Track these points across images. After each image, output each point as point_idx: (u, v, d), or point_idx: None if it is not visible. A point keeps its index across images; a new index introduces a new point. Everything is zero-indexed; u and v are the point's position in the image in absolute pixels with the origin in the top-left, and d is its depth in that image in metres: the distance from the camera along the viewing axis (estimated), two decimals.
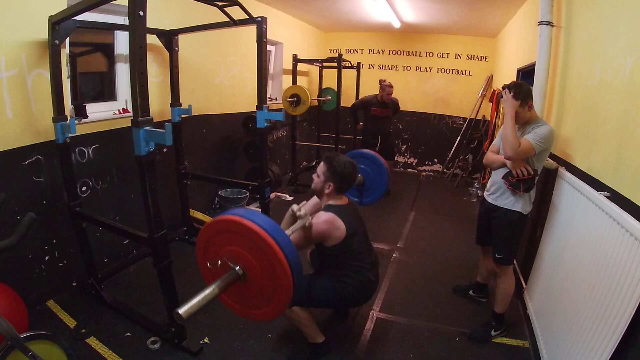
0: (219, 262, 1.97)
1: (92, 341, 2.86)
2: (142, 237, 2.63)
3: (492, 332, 3.14)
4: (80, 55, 3.81)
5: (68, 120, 2.94)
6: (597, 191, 2.35)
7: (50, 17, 2.81)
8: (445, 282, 3.99)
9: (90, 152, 3.54)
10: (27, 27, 2.87)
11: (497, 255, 3.06)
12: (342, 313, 3.32)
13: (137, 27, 2.02)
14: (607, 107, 2.48)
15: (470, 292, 3.73)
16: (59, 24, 2.81)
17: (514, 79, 5.43)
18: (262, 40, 3.39)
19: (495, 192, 3.05)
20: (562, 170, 2.99)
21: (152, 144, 2.20)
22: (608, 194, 2.27)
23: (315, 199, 2.88)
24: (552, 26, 3.49)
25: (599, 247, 2.19)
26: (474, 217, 5.83)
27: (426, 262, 4.48)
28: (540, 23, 3.48)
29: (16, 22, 2.81)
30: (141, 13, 2.00)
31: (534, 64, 3.76)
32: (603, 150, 2.49)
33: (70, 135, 2.99)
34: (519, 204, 2.90)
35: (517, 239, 3.05)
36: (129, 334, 2.98)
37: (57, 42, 2.82)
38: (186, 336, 2.86)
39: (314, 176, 2.70)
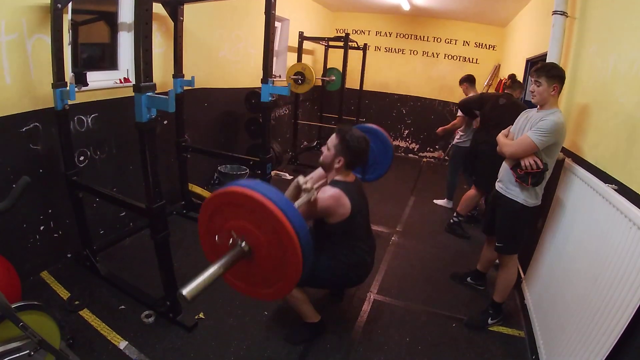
0: (223, 237, 1.88)
1: (86, 313, 2.83)
2: (140, 207, 2.59)
3: (489, 321, 3.13)
4: (82, 23, 3.72)
5: (68, 87, 2.87)
6: (605, 184, 2.31)
7: None
8: (442, 267, 3.98)
9: (89, 121, 3.47)
10: None
11: (497, 244, 3.05)
12: (339, 294, 3.30)
13: None
14: (619, 101, 2.43)
15: (468, 279, 3.71)
16: None
17: (522, 70, 5.37)
18: (270, 11, 3.30)
19: (502, 179, 3.01)
20: (569, 162, 2.95)
21: (154, 110, 2.14)
22: (616, 187, 2.24)
23: (319, 171, 2.80)
24: (566, 16, 3.41)
25: (604, 240, 2.16)
26: (475, 207, 5.86)
27: (425, 247, 4.47)
28: (555, 12, 3.40)
29: None
30: None
31: (544, 55, 3.70)
32: (613, 143, 2.45)
33: (69, 102, 2.93)
34: (522, 195, 2.85)
35: (518, 230, 3.00)
36: (123, 307, 2.95)
37: (59, 6, 2.73)
38: (181, 311, 2.83)
39: (324, 149, 2.59)
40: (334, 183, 2.51)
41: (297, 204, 2.13)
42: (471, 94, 5.32)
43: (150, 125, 2.17)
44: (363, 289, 3.43)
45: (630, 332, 1.80)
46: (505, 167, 2.98)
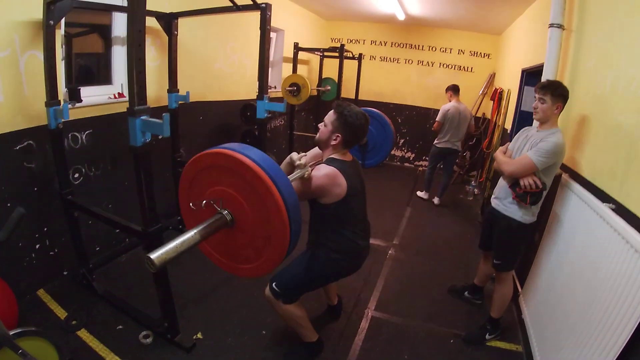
0: (204, 203, 1.77)
1: (83, 334, 2.80)
2: (136, 230, 2.55)
3: (487, 336, 3.12)
4: (75, 36, 3.69)
5: (61, 105, 2.84)
6: (603, 202, 2.30)
7: None
8: (440, 281, 3.95)
9: (83, 137, 3.43)
10: (21, 6, 2.75)
11: (495, 261, 3.04)
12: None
13: (137, 10, 1.91)
14: (617, 118, 2.42)
15: (466, 293, 3.69)
16: (54, 4, 2.68)
17: (518, 79, 5.38)
18: (265, 27, 3.30)
19: (499, 196, 3.01)
20: (566, 178, 2.94)
21: (149, 134, 2.09)
22: (613, 206, 2.23)
23: (316, 151, 2.65)
24: (563, 29, 3.40)
25: (601, 260, 2.15)
26: (470, 216, 5.94)
27: (422, 260, 4.45)
28: (551, 25, 3.40)
29: (10, 1, 2.69)
30: None
31: (540, 66, 3.70)
32: (610, 161, 2.44)
33: (63, 120, 2.90)
34: (519, 213, 2.84)
35: (516, 247, 3.01)
36: (120, 327, 2.91)
37: (51, 22, 2.70)
38: (179, 331, 2.80)
39: (321, 125, 2.45)
40: (330, 161, 2.36)
41: (289, 178, 2.00)
42: (453, 101, 6.19)
43: (145, 149, 2.13)
44: (361, 306, 3.41)
45: (627, 352, 1.79)
46: (502, 184, 2.97)
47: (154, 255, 1.46)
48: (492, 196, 3.13)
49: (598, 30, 2.95)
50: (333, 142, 2.39)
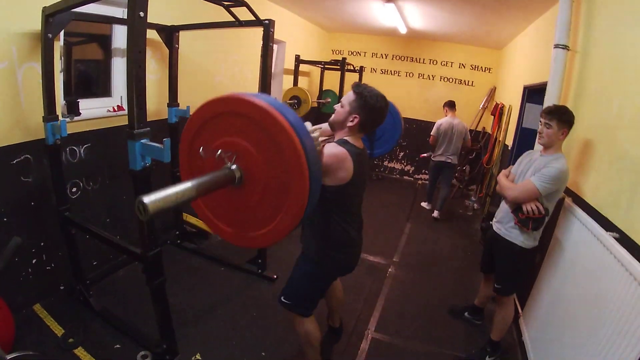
0: (218, 153, 1.58)
1: (80, 352, 2.75)
2: (134, 252, 2.49)
3: (487, 358, 3.08)
4: (76, 44, 3.66)
5: (59, 121, 2.80)
6: (606, 231, 2.26)
7: (44, 9, 2.64)
8: (440, 301, 3.91)
9: (81, 151, 3.39)
10: (19, 17, 2.72)
11: (496, 285, 3.02)
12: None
13: (137, 30, 1.86)
14: (623, 145, 2.39)
15: (466, 314, 3.65)
16: (53, 17, 2.64)
17: (520, 96, 5.36)
18: (268, 44, 3.27)
19: (501, 220, 2.98)
20: (569, 202, 2.91)
21: (149, 158, 2.03)
22: (617, 236, 2.19)
23: (325, 126, 2.48)
24: (568, 50, 3.37)
25: (603, 290, 2.12)
26: (469, 232, 5.92)
27: (422, 278, 4.40)
28: (556, 46, 3.36)
29: (8, 13, 2.66)
30: (141, 14, 1.83)
31: (543, 85, 3.67)
32: (615, 189, 2.41)
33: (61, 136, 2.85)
34: (521, 238, 2.82)
35: (517, 272, 2.98)
36: (118, 345, 2.86)
37: (50, 35, 2.66)
38: (178, 352, 2.75)
39: (337, 107, 2.30)
40: (343, 142, 2.21)
41: None
42: (448, 116, 6.46)
43: (144, 174, 2.07)
44: (361, 326, 3.37)
45: None
46: (504, 208, 2.94)
47: (147, 199, 1.26)
48: (494, 220, 3.11)
49: (605, 53, 2.91)
50: (350, 124, 2.23)
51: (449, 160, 6.40)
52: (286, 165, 1.49)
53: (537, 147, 2.98)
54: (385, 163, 9.28)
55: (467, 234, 5.91)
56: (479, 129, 8.07)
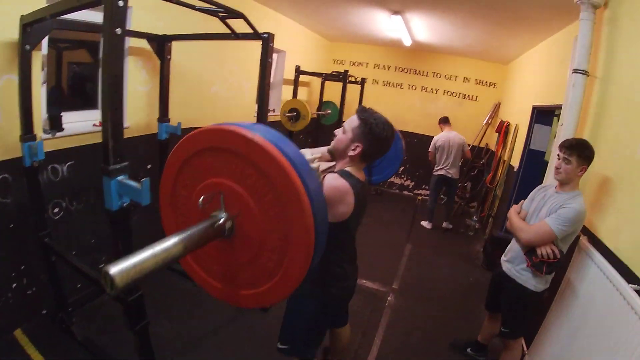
0: (201, 200, 1.34)
1: None
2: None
3: None
4: (61, 52, 3.42)
5: (37, 141, 2.57)
6: (628, 282, 2.05)
7: (22, 17, 2.39)
8: (442, 333, 3.71)
9: (64, 169, 3.16)
10: None
11: (503, 329, 2.84)
12: None
13: (114, 50, 1.58)
14: None
15: (469, 350, 3.45)
16: (31, 26, 2.38)
17: (528, 116, 5.14)
18: (267, 59, 3.04)
19: (512, 260, 2.78)
20: (584, 241, 2.69)
21: (128, 197, 1.78)
22: (639, 288, 1.98)
23: (323, 151, 2.26)
24: (587, 75, 3.15)
25: (620, 345, 1.94)
26: (471, 255, 5.71)
27: (422, 308, 4.17)
28: (575, 71, 3.13)
29: None
30: (119, 31, 1.55)
31: (555, 107, 3.48)
32: (637, 234, 2.18)
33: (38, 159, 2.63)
34: (533, 281, 2.63)
35: (527, 316, 2.80)
36: None
37: (27, 47, 2.41)
38: None
39: (338, 132, 2.10)
40: (345, 174, 1.99)
41: None
42: (444, 131, 6.61)
43: (122, 215, 1.80)
44: None
45: None
46: (516, 248, 2.74)
47: (114, 270, 1.02)
48: (503, 258, 2.91)
49: (630, 80, 2.67)
50: (351, 153, 2.02)
51: (449, 175, 6.49)
52: (287, 216, 1.26)
53: (549, 179, 2.76)
54: None
55: (468, 257, 5.71)
56: (482, 145, 7.86)
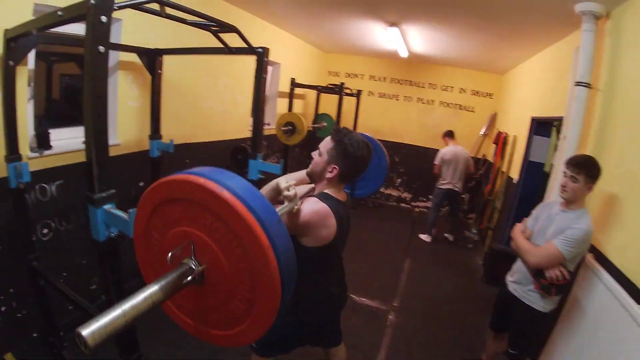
0: (169, 256, 1.33)
1: None
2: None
3: None
4: (50, 65, 3.32)
5: (22, 162, 2.46)
6: (637, 302, 2.00)
7: (6, 32, 2.29)
8: (445, 353, 3.62)
9: (53, 189, 3.05)
10: None
11: (510, 350, 2.74)
12: None
13: (97, 69, 1.47)
14: None
15: None
16: (15, 41, 2.28)
17: (526, 127, 5.08)
18: (261, 74, 2.94)
19: (519, 282, 2.69)
20: (591, 259, 2.62)
21: (115, 228, 1.65)
22: None
23: (301, 174, 2.25)
24: (590, 88, 3.08)
25: None
26: (471, 268, 5.63)
27: (424, 326, 4.05)
28: (578, 84, 3.06)
29: None
30: (102, 49, 1.45)
31: (555, 119, 3.44)
32: None
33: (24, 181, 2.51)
34: (541, 302, 2.55)
35: (534, 336, 2.73)
36: None
37: (11, 63, 2.30)
38: None
39: (315, 154, 2.08)
40: (325, 197, 1.98)
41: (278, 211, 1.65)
42: (450, 144, 6.59)
43: (110, 246, 1.68)
44: None
45: None
46: (522, 269, 2.66)
47: (85, 332, 1.06)
48: (509, 278, 2.82)
49: (636, 95, 2.60)
50: (329, 175, 2.00)
51: (456, 189, 6.50)
52: (254, 272, 1.26)
53: (552, 195, 2.68)
54: (382, 190, 8.92)
55: (468, 270, 5.62)
56: (479, 156, 7.80)
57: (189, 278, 1.30)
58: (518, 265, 2.73)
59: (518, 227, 2.77)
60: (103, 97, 1.48)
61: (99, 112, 1.48)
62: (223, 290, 1.33)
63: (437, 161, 6.51)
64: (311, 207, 1.88)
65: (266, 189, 2.01)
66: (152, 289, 1.22)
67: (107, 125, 1.53)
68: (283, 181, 1.84)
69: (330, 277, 2.20)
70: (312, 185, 2.17)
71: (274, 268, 1.22)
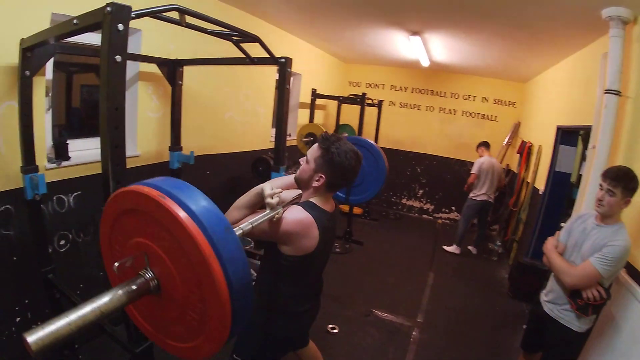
0: (128, 262, 1.33)
1: None
2: (122, 341, 2.06)
3: None
4: (68, 76, 3.31)
5: (39, 173, 2.43)
6: None
7: (22, 41, 2.27)
8: None
9: (71, 200, 3.02)
10: None
11: None
12: None
13: (114, 80, 1.43)
14: None
15: None
16: (31, 51, 2.26)
17: (552, 136, 4.94)
18: (284, 85, 2.86)
19: (554, 301, 2.55)
20: (624, 275, 2.51)
21: None
22: None
23: (289, 179, 2.22)
24: (620, 95, 2.96)
25: None
26: (496, 282, 5.47)
27: (450, 344, 3.90)
28: (608, 91, 2.95)
29: None
30: (118, 58, 1.40)
31: (582, 127, 3.33)
32: None
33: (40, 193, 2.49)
34: (577, 322, 2.42)
35: (571, 358, 2.58)
36: None
37: (27, 73, 2.28)
38: None
39: (302, 161, 2.02)
40: (309, 207, 1.92)
41: (256, 220, 1.63)
42: (486, 155, 6.46)
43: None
44: None
45: None
46: (557, 288, 2.53)
47: (30, 338, 1.10)
48: (544, 297, 2.68)
49: None
50: (315, 184, 1.93)
51: (490, 200, 6.46)
52: (201, 282, 1.21)
53: (584, 207, 2.54)
54: (404, 201, 8.84)
55: (493, 284, 5.46)
56: (503, 166, 7.63)
57: (135, 287, 1.26)
58: (552, 283, 2.59)
59: (550, 241, 2.64)
60: (120, 109, 1.43)
61: (116, 125, 1.44)
62: (178, 301, 1.30)
63: (474, 170, 6.34)
64: (294, 216, 1.84)
65: (251, 193, 1.93)
66: (102, 300, 1.21)
67: (125, 138, 1.48)
68: (268, 187, 1.80)
69: (307, 291, 2.14)
70: (300, 191, 2.10)
71: (219, 276, 1.16)
